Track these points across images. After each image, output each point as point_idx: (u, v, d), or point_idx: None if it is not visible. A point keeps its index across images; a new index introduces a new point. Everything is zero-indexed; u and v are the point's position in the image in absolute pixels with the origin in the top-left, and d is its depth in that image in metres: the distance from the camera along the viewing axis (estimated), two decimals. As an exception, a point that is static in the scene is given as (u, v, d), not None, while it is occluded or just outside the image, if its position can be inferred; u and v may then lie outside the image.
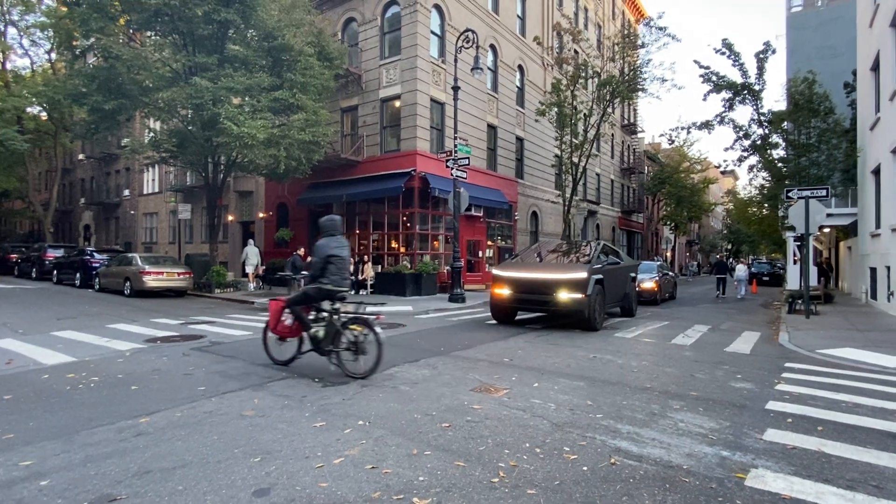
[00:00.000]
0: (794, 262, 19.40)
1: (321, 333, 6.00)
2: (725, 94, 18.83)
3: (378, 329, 5.75)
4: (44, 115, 30.95)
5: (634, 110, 40.26)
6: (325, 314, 6.06)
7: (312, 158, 16.61)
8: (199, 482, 3.15)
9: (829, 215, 16.13)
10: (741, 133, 19.23)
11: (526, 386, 5.56)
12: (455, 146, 15.03)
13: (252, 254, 18.75)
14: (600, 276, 10.14)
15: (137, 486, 3.09)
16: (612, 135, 35.69)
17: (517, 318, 11.37)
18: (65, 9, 16.31)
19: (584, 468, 3.40)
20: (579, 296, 9.48)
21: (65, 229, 40.99)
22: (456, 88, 15.23)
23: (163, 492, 3.02)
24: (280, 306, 6.36)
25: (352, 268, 5.52)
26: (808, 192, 12.25)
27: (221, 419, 4.35)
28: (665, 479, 3.25)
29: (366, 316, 5.91)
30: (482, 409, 4.66)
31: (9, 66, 31.01)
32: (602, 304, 10.22)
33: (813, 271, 15.67)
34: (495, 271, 10.81)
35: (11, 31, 29.22)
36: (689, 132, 27.94)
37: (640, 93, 24.60)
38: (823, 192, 12.28)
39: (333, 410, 4.61)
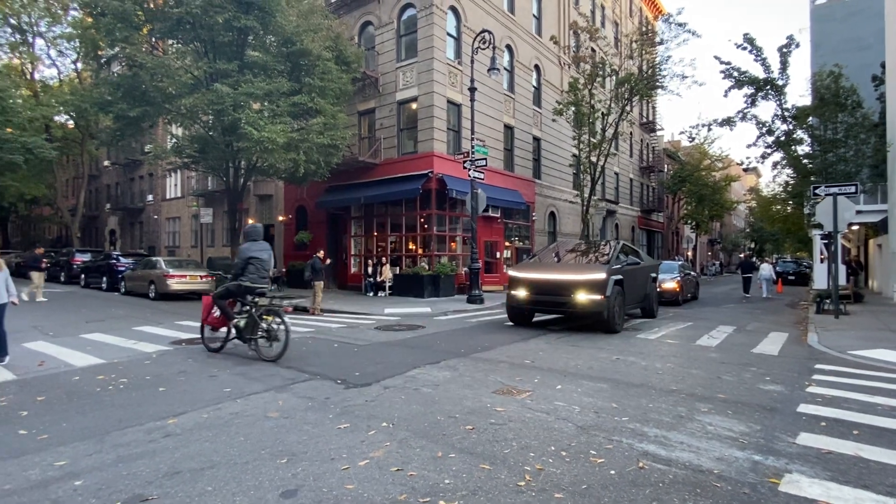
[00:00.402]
0: (822, 260, 18.91)
1: (242, 323, 7.06)
2: (747, 90, 18.43)
3: (287, 318, 6.89)
4: (71, 124, 31.81)
5: (653, 108, 39.73)
6: (247, 307, 7.12)
7: (331, 162, 16.76)
8: (227, 483, 3.18)
9: (858, 212, 15.67)
10: (764, 129, 18.80)
11: (549, 388, 5.51)
12: (472, 147, 15.01)
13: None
14: (619, 277, 9.91)
15: (168, 486, 3.14)
16: (631, 133, 35.27)
17: (536, 319, 11.28)
18: (90, 19, 16.73)
19: (612, 472, 3.35)
20: (598, 297, 9.27)
21: (91, 234, 42.06)
22: (472, 89, 15.22)
23: (192, 492, 3.06)
24: (210, 301, 7.41)
25: (272, 267, 7.04)
26: (835, 189, 11.93)
27: (247, 420, 4.40)
28: (696, 484, 3.18)
29: (277, 307, 7.01)
30: (505, 412, 4.63)
31: (37, 76, 32.01)
32: (622, 306, 9.98)
33: (841, 270, 15.23)
34: (511, 272, 10.68)
35: (39, 42, 30.16)
36: (709, 129, 27.44)
37: (659, 90, 24.27)
38: (852, 189, 11.94)
39: (357, 412, 4.63)
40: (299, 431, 4.12)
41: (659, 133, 42.33)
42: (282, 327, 6.81)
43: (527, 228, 23.49)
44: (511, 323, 10.90)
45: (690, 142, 35.19)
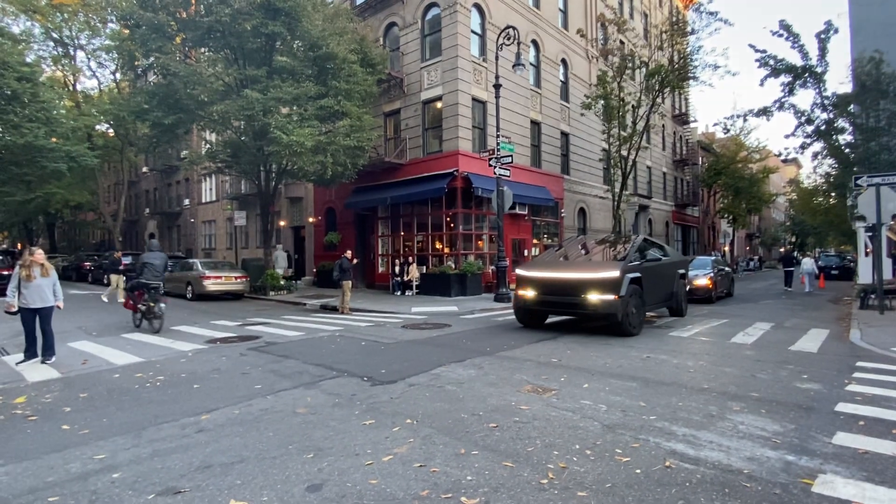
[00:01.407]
0: (866, 254, 18.04)
1: (143, 308, 10.33)
2: (784, 79, 17.75)
3: (163, 304, 10.14)
4: (111, 132, 33.18)
5: (686, 99, 38.68)
6: (146, 297, 10.24)
7: (357, 163, 16.98)
8: (255, 477, 3.29)
9: (904, 203, 14.87)
10: (803, 118, 18.08)
11: (575, 387, 5.46)
12: (498, 144, 14.95)
13: (280, 258, 20.57)
14: (637, 275, 9.24)
15: (199, 479, 3.27)
16: (663, 126, 34.43)
17: (553, 320, 11.04)
18: (127, 31, 17.41)
19: (637, 471, 3.31)
20: (611, 297, 8.60)
21: (131, 238, 43.80)
22: (498, 86, 15.15)
23: (222, 485, 3.17)
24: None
25: (164, 269, 10.89)
26: (878, 179, 11.38)
27: (276, 416, 4.52)
28: (724, 484, 3.11)
29: (159, 297, 10.22)
30: (530, 410, 4.62)
31: (79, 87, 33.51)
32: (640, 306, 9.27)
33: (887, 263, 14.54)
34: (519, 271, 10.06)
35: (80, 54, 31.56)
36: (745, 120, 26.54)
37: (691, 81, 23.63)
38: (896, 178, 11.37)
39: (382, 409, 4.70)
40: (326, 427, 4.21)
41: (692, 125, 41.15)
42: (162, 310, 10.06)
43: (555, 225, 23.24)
44: (521, 325, 10.23)
45: (725, 133, 34.04)
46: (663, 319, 11.37)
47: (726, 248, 43.51)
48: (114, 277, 16.11)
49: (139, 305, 10.37)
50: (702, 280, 15.47)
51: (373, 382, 5.71)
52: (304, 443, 3.88)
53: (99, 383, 5.91)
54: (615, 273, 8.78)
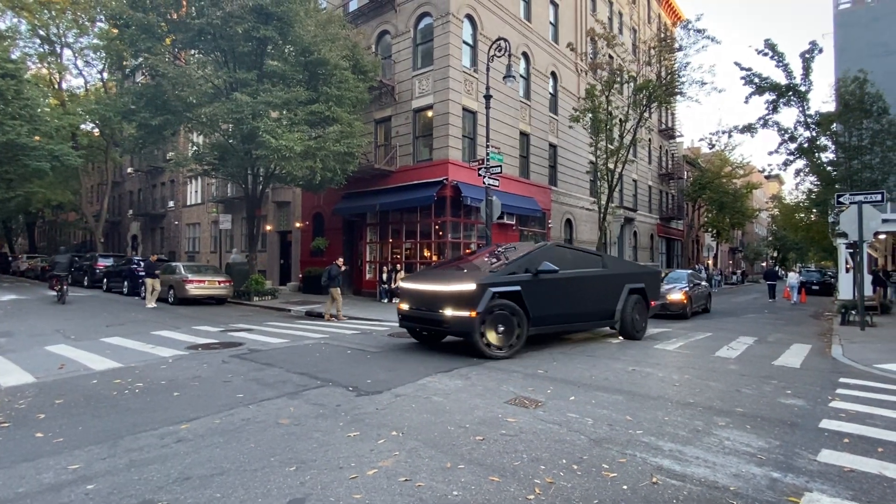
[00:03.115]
0: (847, 270, 18.41)
1: (58, 288, 15.51)
2: (769, 96, 18.14)
3: (65, 286, 15.93)
4: (96, 132, 32.71)
5: (672, 115, 39.31)
6: (60, 282, 15.86)
7: (347, 169, 16.91)
8: (235, 490, 3.19)
9: (884, 221, 15.23)
10: (786, 136, 18.45)
11: (562, 399, 5.43)
12: (487, 154, 15.00)
13: (237, 260, 21.85)
14: (512, 289, 7.95)
15: (177, 492, 3.17)
16: (650, 140, 34.92)
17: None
18: (116, 31, 17.23)
19: (624, 487, 3.28)
20: (464, 314, 7.57)
21: (114, 239, 43.05)
22: (488, 97, 15.22)
23: (201, 499, 3.07)
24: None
25: (70, 265, 16.21)
26: (860, 197, 11.63)
27: (258, 427, 4.42)
28: (711, 501, 3.09)
29: (65, 283, 16.00)
30: (517, 423, 4.58)
31: (64, 85, 33.01)
32: (517, 325, 7.93)
33: (868, 280, 14.83)
34: (399, 283, 9.52)
35: (67, 52, 31.13)
36: (730, 136, 27.08)
37: (678, 97, 24.01)
38: (878, 197, 11.62)
39: (367, 420, 4.62)
40: (309, 439, 4.12)
41: (678, 140, 41.81)
42: (66, 290, 15.88)
43: (542, 236, 23.34)
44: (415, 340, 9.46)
45: (710, 148, 34.64)
46: (650, 331, 11.40)
47: (710, 262, 44.09)
48: (149, 281, 15.86)
49: (56, 287, 15.99)
50: (676, 295, 14.76)
51: (358, 393, 5.63)
52: (286, 455, 3.79)
53: (76, 389, 5.73)
54: (471, 286, 7.68)
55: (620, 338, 10.08)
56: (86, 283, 23.77)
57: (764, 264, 57.07)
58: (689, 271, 18.39)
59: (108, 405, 5.09)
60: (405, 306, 8.73)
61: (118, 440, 4.08)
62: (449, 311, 7.76)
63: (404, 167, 19.36)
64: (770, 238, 64.40)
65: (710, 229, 42.43)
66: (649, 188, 36.06)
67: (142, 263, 20.69)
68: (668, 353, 8.74)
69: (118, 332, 10.16)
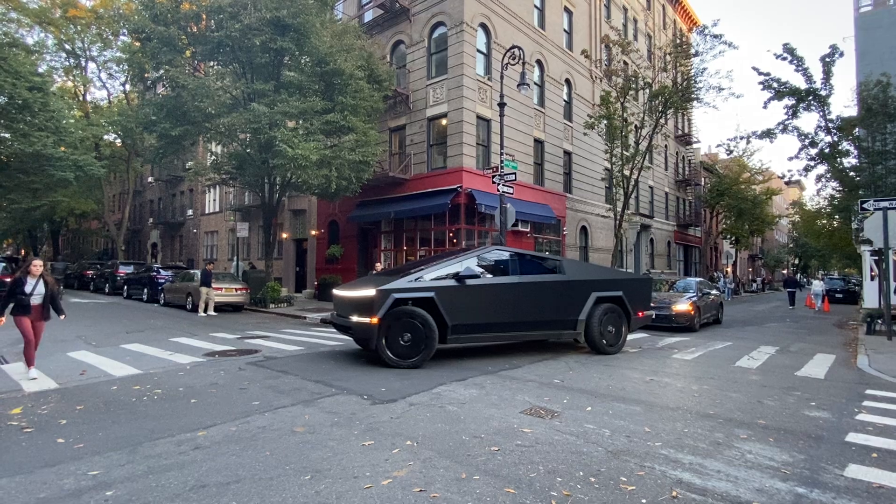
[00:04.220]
0: (872, 277, 17.94)
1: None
2: (788, 101, 17.84)
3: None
4: (118, 142, 33.51)
5: (689, 120, 38.89)
6: None
7: (362, 177, 17.04)
8: (251, 498, 3.20)
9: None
10: (807, 141, 18.13)
11: (578, 409, 5.37)
12: (501, 162, 14.99)
13: (240, 268, 22.19)
14: (423, 295, 7.75)
15: (194, 499, 3.19)
16: (666, 146, 34.59)
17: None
18: (138, 44, 17.65)
19: (643, 501, 3.22)
20: (366, 320, 7.57)
21: (134, 247, 43.89)
22: (502, 105, 15.23)
23: (217, 507, 3.09)
24: None
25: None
26: (885, 203, 11.34)
27: (274, 435, 4.44)
28: (733, 517, 3.01)
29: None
30: (532, 433, 4.53)
31: (88, 97, 33.91)
32: (421, 335, 7.65)
33: (894, 288, 14.41)
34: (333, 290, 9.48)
35: (91, 66, 32.04)
36: (748, 141, 26.71)
37: (694, 102, 23.74)
38: (904, 203, 11.31)
39: (382, 429, 4.61)
40: (324, 447, 4.13)
41: (695, 146, 41.29)
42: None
43: (557, 243, 23.20)
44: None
45: (728, 154, 34.14)
46: (666, 340, 11.24)
47: (729, 269, 43.37)
48: (203, 290, 16.18)
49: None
50: (682, 305, 13.57)
51: (373, 401, 5.62)
52: (301, 463, 3.79)
53: (96, 395, 5.83)
54: (370, 292, 7.65)
55: (638, 347, 9.94)
56: (107, 290, 24.25)
57: (785, 272, 56.01)
58: (699, 279, 17.34)
59: (128, 411, 5.16)
60: (335, 313, 8.82)
61: (137, 446, 4.12)
62: (355, 318, 7.80)
63: (419, 175, 19.43)
64: (791, 245, 63.16)
65: (728, 236, 41.74)
66: (666, 195, 35.65)
67: (161, 271, 21.06)
68: (686, 362, 8.59)
69: (138, 339, 10.32)
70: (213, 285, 16.61)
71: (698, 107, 24.74)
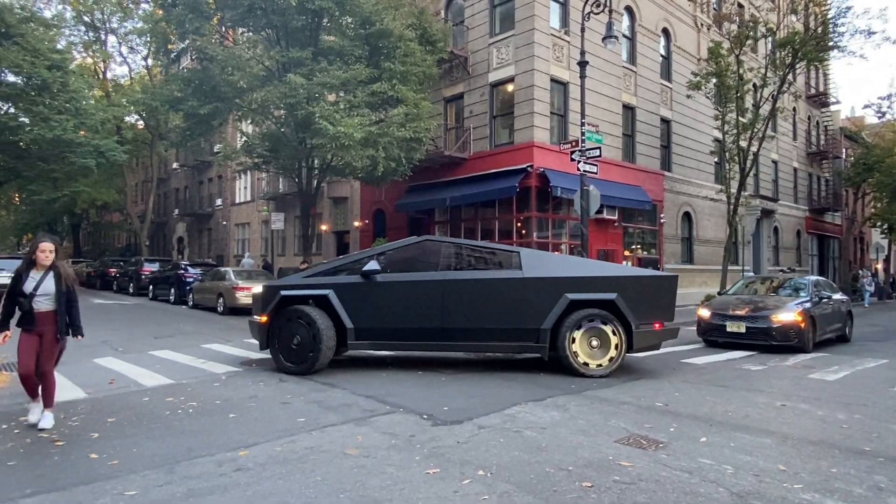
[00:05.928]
0: None
1: None
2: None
3: None
4: (140, 124, 35.79)
5: (825, 76, 36.63)
6: None
7: (413, 158, 17.28)
8: (303, 530, 3.32)
9: None
10: None
11: (690, 440, 5.18)
12: (582, 134, 14.71)
13: (248, 266, 23.62)
14: (319, 293, 8.19)
15: (240, 528, 3.35)
16: (795, 109, 32.66)
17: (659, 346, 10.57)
18: (161, 12, 18.76)
19: (783, 556, 3.06)
20: (257, 319, 8.56)
21: (159, 241, 46.80)
22: (583, 64, 14.92)
23: (266, 538, 3.23)
24: None
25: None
26: None
27: (323, 457, 4.59)
28: (907, 584, 2.80)
29: None
30: (633, 468, 4.42)
31: (109, 74, 36.43)
32: (308, 338, 7.90)
33: None
34: None
35: (111, 39, 34.37)
36: (908, 100, 24.69)
37: (834, 52, 22.29)
38: None
39: (447, 455, 4.65)
40: (382, 474, 4.21)
41: (834, 108, 38.92)
42: None
43: (652, 234, 22.54)
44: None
45: (880, 118, 31.87)
46: (798, 358, 10.65)
47: (879, 266, 40.50)
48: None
49: None
50: (786, 314, 11.35)
51: (434, 422, 5.69)
52: (357, 491, 3.89)
53: (127, 407, 6.26)
54: (259, 288, 8.73)
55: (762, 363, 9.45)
56: (131, 291, 25.99)
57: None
58: (816, 278, 14.54)
59: (162, 425, 5.51)
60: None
61: (174, 465, 4.39)
62: (255, 316, 8.63)
63: (479, 153, 19.44)
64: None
65: (879, 223, 38.93)
66: (794, 171, 33.83)
67: (189, 269, 22.31)
68: (827, 384, 8.10)
69: (167, 345, 10.99)
70: (245, 284, 17.41)
71: (839, 57, 23.20)
